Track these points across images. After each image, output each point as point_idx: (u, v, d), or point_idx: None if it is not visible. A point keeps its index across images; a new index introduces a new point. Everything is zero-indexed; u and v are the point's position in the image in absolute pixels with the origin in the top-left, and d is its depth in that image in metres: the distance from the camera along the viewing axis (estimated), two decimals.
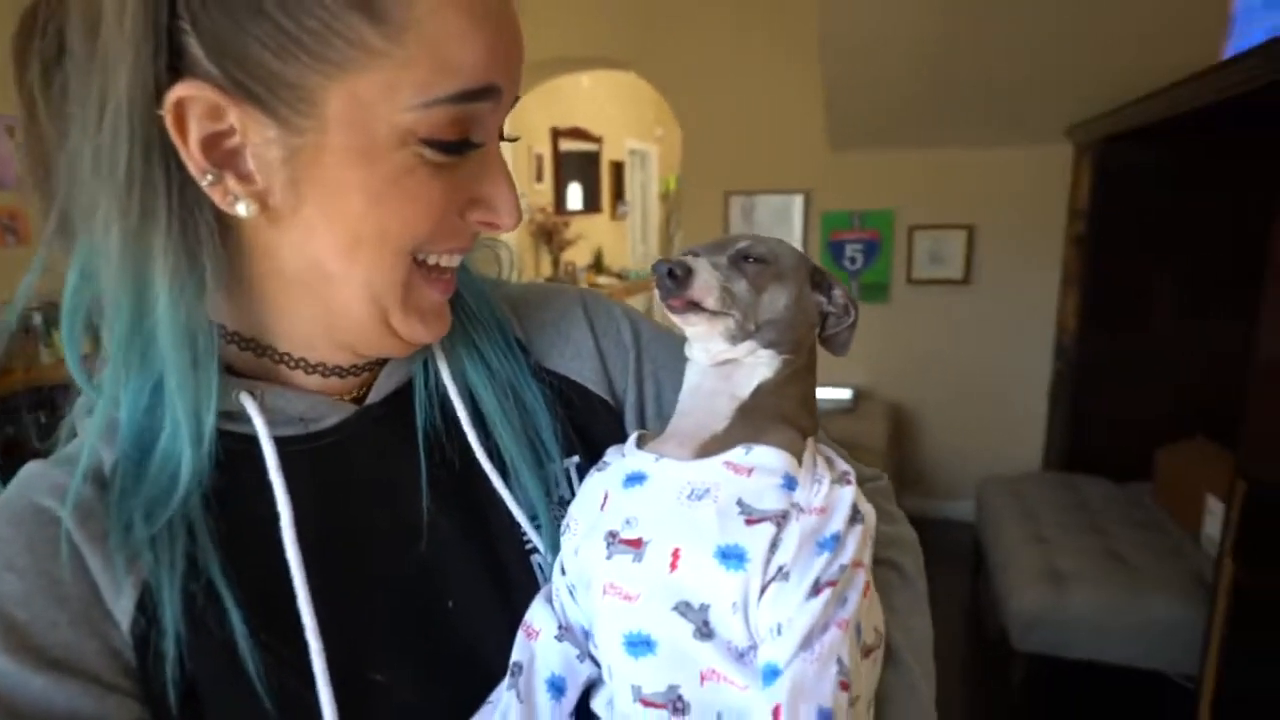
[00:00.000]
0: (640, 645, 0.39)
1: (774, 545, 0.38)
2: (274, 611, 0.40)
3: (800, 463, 0.41)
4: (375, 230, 0.39)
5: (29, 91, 0.38)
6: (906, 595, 0.50)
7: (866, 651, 0.40)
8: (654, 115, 6.88)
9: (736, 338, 0.43)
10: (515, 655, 0.44)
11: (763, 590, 0.37)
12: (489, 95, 0.39)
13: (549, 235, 5.19)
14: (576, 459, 0.50)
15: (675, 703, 0.39)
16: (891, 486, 0.59)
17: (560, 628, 0.44)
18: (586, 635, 0.44)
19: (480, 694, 0.44)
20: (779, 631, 0.37)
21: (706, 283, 0.42)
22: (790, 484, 0.40)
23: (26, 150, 0.39)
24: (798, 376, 0.45)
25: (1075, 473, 2.69)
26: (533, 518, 0.48)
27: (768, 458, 0.41)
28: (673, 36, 3.23)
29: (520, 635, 0.44)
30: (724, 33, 3.16)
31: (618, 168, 6.51)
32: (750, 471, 0.40)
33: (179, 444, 0.39)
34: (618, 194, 6.53)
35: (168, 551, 0.39)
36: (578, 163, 5.69)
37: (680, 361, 0.47)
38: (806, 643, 0.36)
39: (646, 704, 0.39)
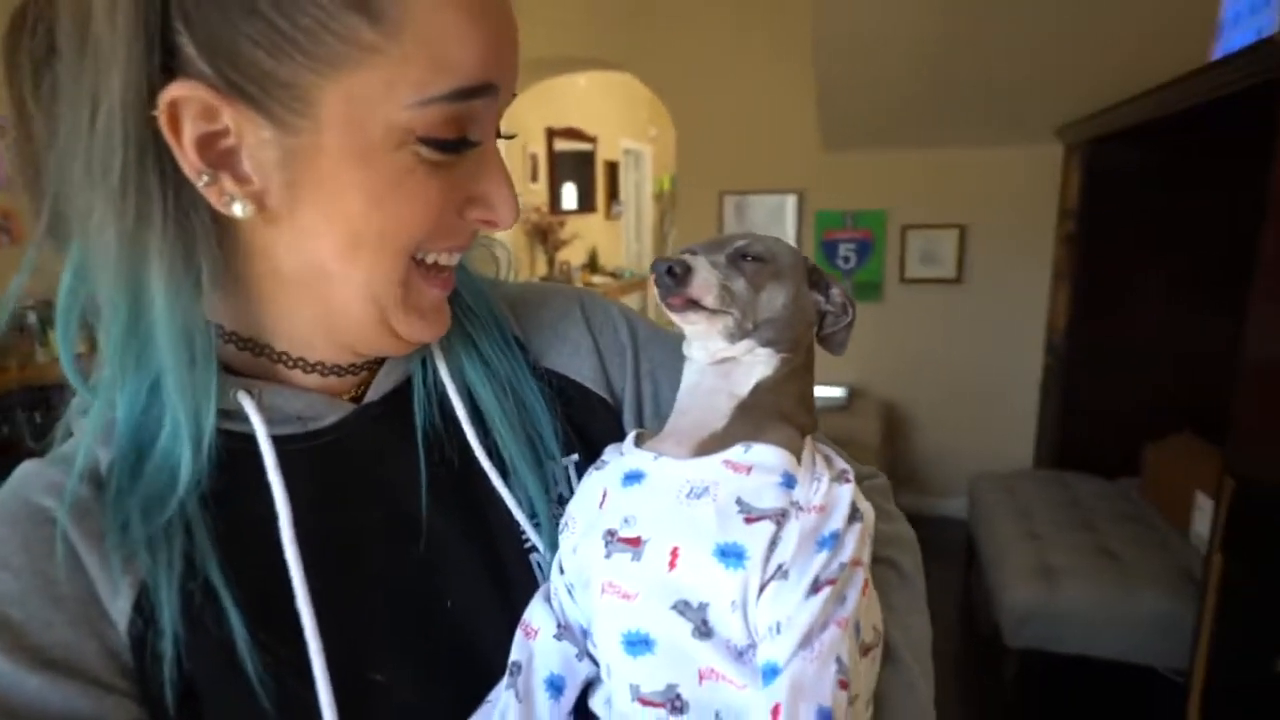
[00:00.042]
0: (638, 644, 0.39)
1: (773, 543, 0.38)
2: (272, 611, 0.40)
3: (799, 461, 0.41)
4: (374, 230, 0.39)
5: (19, 91, 0.37)
6: (905, 594, 0.50)
7: (865, 650, 0.40)
8: (648, 115, 6.88)
9: (735, 336, 0.43)
10: (514, 654, 0.44)
11: (762, 589, 0.37)
12: (486, 93, 0.38)
13: (544, 235, 5.18)
14: (575, 457, 0.50)
15: (673, 702, 0.38)
16: (889, 485, 0.59)
17: (559, 627, 0.44)
18: (585, 634, 0.44)
19: (480, 693, 0.44)
20: (778, 630, 0.37)
21: (705, 281, 0.42)
22: (789, 482, 0.40)
23: (16, 150, 0.39)
24: (796, 375, 0.45)
25: (1065, 469, 2.71)
26: (532, 516, 0.47)
27: (767, 456, 0.41)
28: (668, 37, 3.23)
29: (519, 634, 0.44)
30: (719, 34, 3.17)
31: (612, 168, 6.50)
32: (749, 470, 0.40)
33: (178, 444, 0.39)
34: (612, 194, 6.53)
35: (165, 551, 0.39)
36: (572, 163, 5.68)
37: (677, 360, 0.47)
38: (806, 641, 0.36)
39: (645, 703, 0.39)
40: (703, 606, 0.38)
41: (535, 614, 0.45)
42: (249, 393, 0.42)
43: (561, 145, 5.48)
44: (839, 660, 0.36)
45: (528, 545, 0.47)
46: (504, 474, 0.48)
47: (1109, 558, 2.12)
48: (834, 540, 0.39)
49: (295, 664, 0.39)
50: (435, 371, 0.48)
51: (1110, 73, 2.27)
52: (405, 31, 0.35)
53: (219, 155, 0.36)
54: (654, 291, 0.43)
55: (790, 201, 3.27)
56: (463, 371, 0.49)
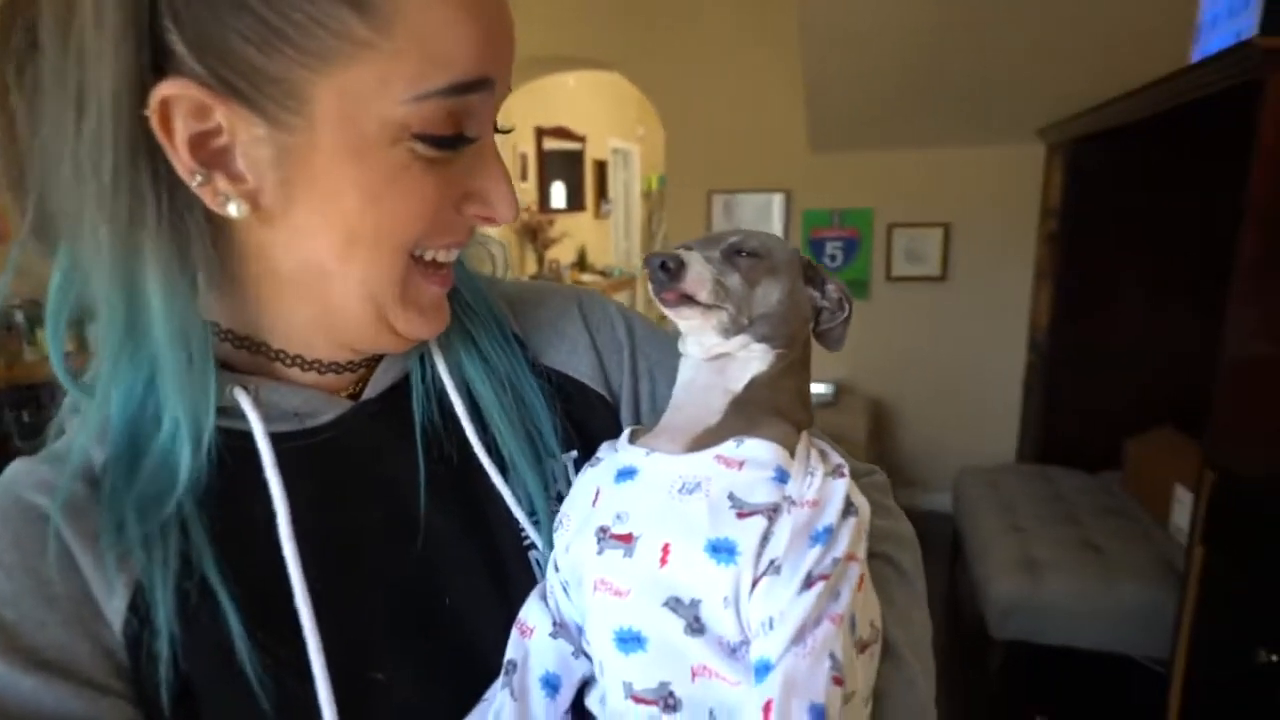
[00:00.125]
0: (631, 641, 0.39)
1: (765, 539, 0.38)
2: (270, 610, 0.39)
3: (793, 456, 0.41)
4: (371, 228, 0.38)
5: (2, 87, 0.36)
6: (904, 590, 0.50)
7: (862, 647, 0.39)
8: (636, 115, 6.87)
9: (730, 331, 0.43)
10: (509, 653, 0.43)
11: (754, 584, 0.37)
12: (482, 87, 0.38)
13: (533, 234, 5.17)
14: (574, 454, 0.50)
15: (666, 699, 0.38)
16: (889, 482, 0.58)
17: (555, 625, 0.43)
18: (580, 632, 0.43)
19: (479, 691, 0.44)
20: (770, 626, 0.36)
21: (699, 275, 0.42)
22: (782, 477, 0.40)
23: (0, 148, 0.38)
24: (792, 371, 0.45)
25: (1048, 463, 2.75)
26: (531, 514, 0.47)
27: (759, 451, 0.40)
28: (657, 37, 3.23)
29: (514, 633, 0.44)
30: (707, 35, 3.17)
31: (601, 166, 6.49)
32: (741, 465, 0.40)
33: (178, 444, 0.39)
34: (601, 193, 6.52)
35: (161, 550, 0.38)
36: (561, 162, 5.66)
37: (674, 358, 0.47)
38: (798, 637, 0.36)
39: (638, 700, 0.39)
40: (695, 603, 0.38)
41: (531, 612, 0.44)
42: (245, 389, 0.42)
43: (550, 144, 5.46)
44: (832, 656, 0.36)
45: (527, 543, 0.47)
46: (503, 471, 0.47)
47: (1091, 550, 2.15)
48: (827, 535, 0.38)
49: (294, 663, 0.39)
50: (434, 368, 0.48)
51: (1092, 74, 2.30)
52: (398, 26, 0.34)
53: (212, 154, 0.36)
54: (648, 288, 0.43)
55: (778, 200, 3.28)
56: (462, 368, 0.49)
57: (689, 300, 0.42)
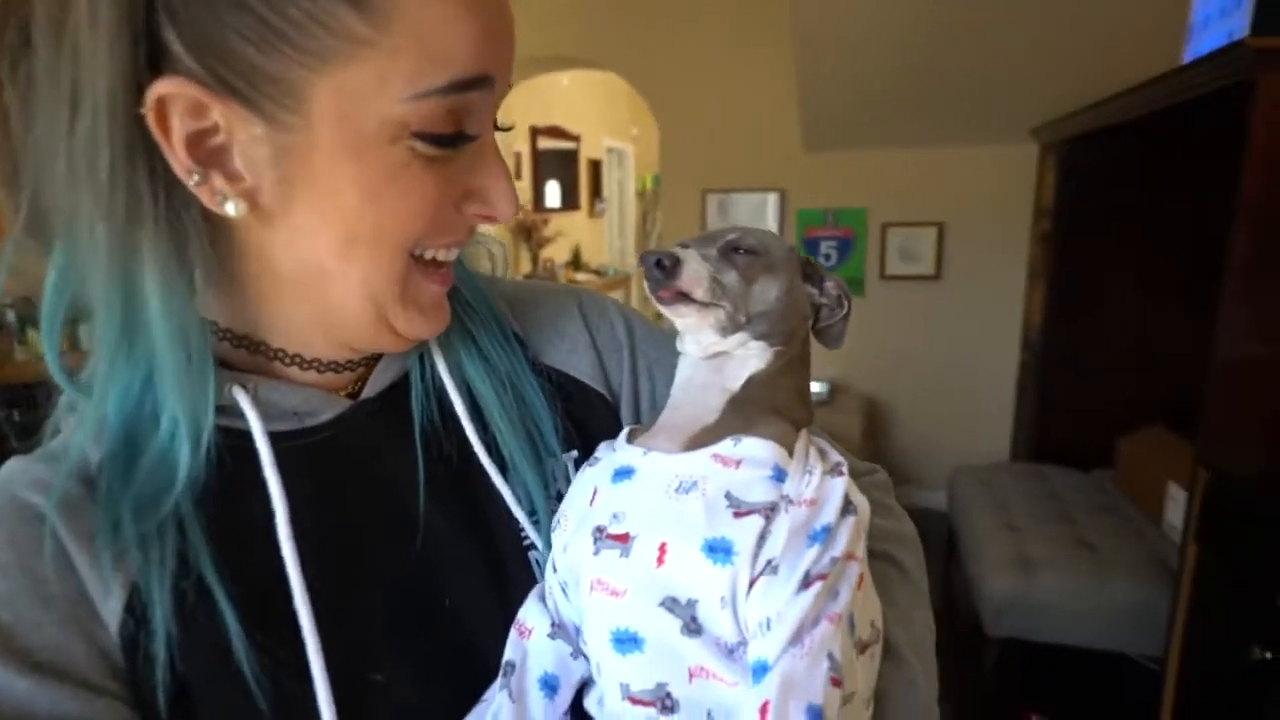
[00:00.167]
0: (627, 642, 0.39)
1: (762, 538, 0.37)
2: (269, 610, 0.39)
3: (791, 454, 0.41)
4: (370, 228, 0.38)
5: None
6: (906, 590, 0.49)
7: (863, 647, 0.39)
8: (630, 114, 6.86)
9: (727, 329, 0.43)
10: (508, 654, 0.43)
11: (751, 584, 0.37)
12: (482, 85, 0.38)
13: (528, 233, 5.16)
14: (575, 453, 0.50)
15: (664, 700, 0.38)
16: (890, 481, 0.58)
17: (553, 625, 0.43)
18: (579, 633, 0.43)
19: (479, 692, 0.43)
20: (768, 626, 0.36)
21: (695, 273, 0.41)
22: (779, 476, 0.39)
23: None
24: (791, 368, 0.45)
25: (1042, 461, 2.76)
26: (531, 513, 0.47)
27: (756, 449, 0.40)
28: (652, 37, 3.23)
29: (513, 633, 0.44)
30: (702, 35, 3.17)
31: (595, 166, 6.48)
32: (738, 463, 0.40)
33: (176, 443, 0.38)
34: (595, 192, 6.51)
35: (157, 549, 0.38)
36: (556, 161, 5.65)
37: (674, 357, 0.47)
38: (796, 638, 0.35)
39: (635, 702, 0.39)
40: (691, 603, 0.38)
41: (530, 613, 0.44)
42: (244, 388, 0.41)
43: (545, 143, 5.45)
44: (831, 657, 0.35)
45: (526, 543, 0.47)
46: (503, 471, 0.47)
47: (1085, 548, 2.16)
48: (825, 534, 0.38)
49: (292, 664, 0.38)
50: (433, 367, 0.48)
51: (1085, 74, 2.31)
52: (396, 23, 0.34)
53: (209, 153, 0.35)
54: (644, 286, 0.43)
55: (772, 200, 3.29)
56: (462, 367, 0.48)
57: (685, 298, 0.42)
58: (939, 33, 2.36)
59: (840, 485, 0.40)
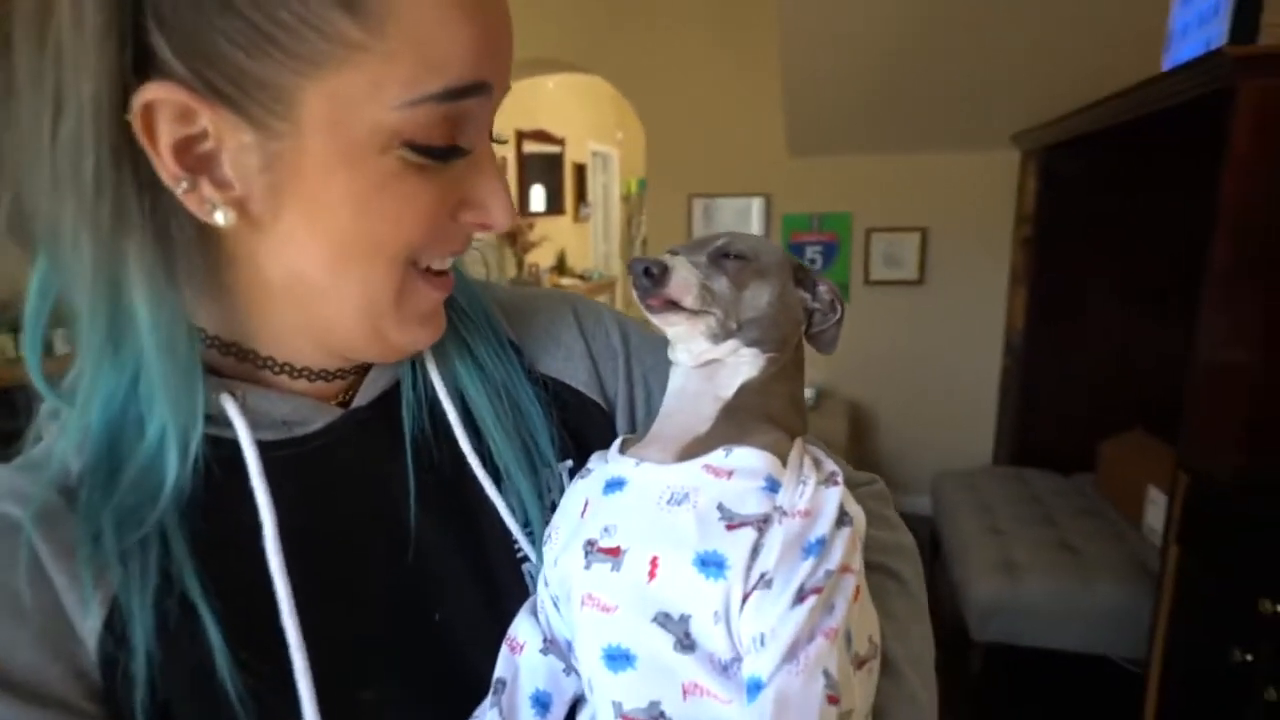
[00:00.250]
0: (619, 659, 0.38)
1: (755, 551, 0.36)
2: (255, 627, 0.38)
3: (785, 464, 0.40)
4: (365, 239, 0.37)
5: None
6: (904, 603, 0.48)
7: (860, 662, 0.38)
8: (615, 119, 6.87)
9: (718, 337, 0.42)
10: (499, 670, 0.42)
11: (745, 599, 0.36)
12: (478, 92, 0.37)
13: (513, 237, 5.14)
14: (570, 463, 0.49)
15: (657, 719, 0.37)
16: (888, 491, 0.57)
17: (545, 641, 0.42)
18: (572, 648, 0.42)
19: (470, 709, 0.42)
20: (762, 642, 0.35)
21: (685, 280, 0.41)
22: (773, 486, 0.39)
23: None
24: (784, 375, 0.44)
25: (1023, 464, 2.79)
26: (525, 525, 0.46)
27: (749, 459, 0.39)
28: (638, 41, 3.23)
29: (504, 649, 0.43)
30: (688, 40, 3.18)
31: (580, 170, 6.48)
32: (730, 474, 0.39)
33: (164, 452, 0.37)
34: (580, 196, 6.50)
35: (139, 563, 0.36)
36: (541, 165, 5.64)
37: (669, 365, 0.46)
38: (791, 654, 0.34)
39: None
40: (684, 619, 0.37)
41: (521, 628, 0.43)
42: (232, 395, 0.40)
43: (530, 147, 5.44)
44: (826, 674, 0.35)
45: (520, 555, 0.46)
46: (497, 481, 0.46)
47: (1068, 551, 2.18)
48: (820, 546, 0.37)
49: (278, 681, 0.37)
50: (426, 376, 0.47)
51: (1065, 81, 2.34)
52: (390, 27, 0.33)
53: (197, 160, 0.34)
54: (632, 292, 0.42)
55: (757, 204, 3.30)
56: (456, 375, 0.47)
57: (675, 306, 0.41)
58: (923, 40, 2.38)
59: (835, 496, 0.39)
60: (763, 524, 0.37)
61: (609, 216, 7.39)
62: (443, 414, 0.46)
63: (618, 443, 0.45)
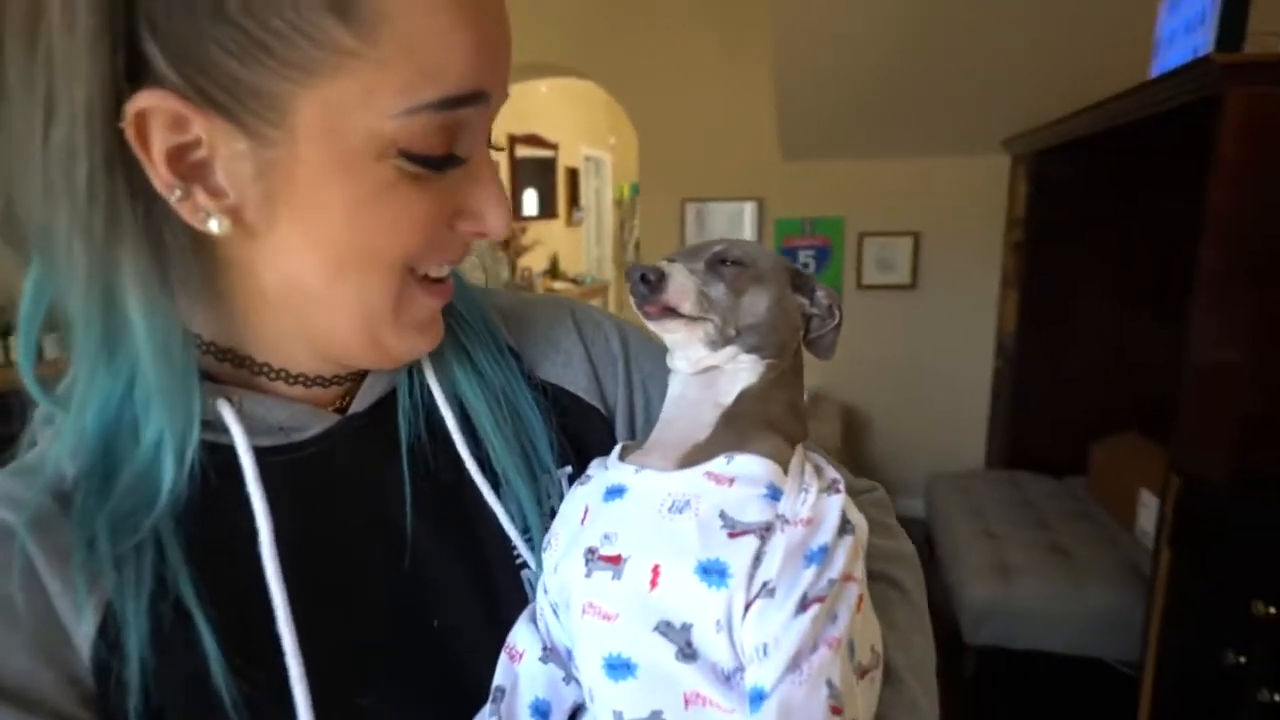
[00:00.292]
0: (620, 668, 0.37)
1: (758, 559, 0.36)
2: (251, 634, 0.37)
3: (786, 471, 0.40)
4: (361, 247, 0.37)
5: None
6: (906, 612, 0.48)
7: (862, 672, 0.38)
8: (608, 123, 6.88)
9: (717, 343, 0.42)
10: (498, 679, 0.42)
11: (747, 608, 0.36)
12: (476, 100, 0.36)
13: (506, 241, 5.13)
14: (569, 469, 0.48)
15: None
16: (889, 499, 0.57)
17: (544, 649, 0.42)
18: (571, 657, 0.42)
19: (468, 717, 0.42)
20: (765, 652, 0.35)
21: (682, 286, 0.41)
22: (775, 494, 0.38)
23: None
24: (783, 381, 0.44)
25: (1016, 467, 2.80)
26: (524, 531, 0.46)
27: (750, 467, 0.39)
28: (632, 46, 3.24)
29: (503, 657, 0.42)
30: (682, 45, 3.19)
31: (573, 174, 6.48)
32: (732, 482, 0.39)
33: (160, 458, 0.37)
34: (573, 200, 6.50)
35: (134, 569, 0.36)
36: (533, 169, 5.64)
37: (669, 372, 0.46)
38: (794, 664, 0.34)
39: None
40: (686, 627, 0.36)
41: (520, 636, 0.43)
42: (229, 401, 0.40)
43: (523, 152, 5.44)
44: (830, 684, 0.34)
45: (519, 561, 0.46)
46: (495, 487, 0.46)
47: (1061, 554, 2.19)
48: (823, 554, 0.37)
49: (274, 688, 0.37)
50: (423, 382, 0.47)
51: (1055, 87, 2.36)
52: (385, 34, 0.33)
53: (191, 168, 0.34)
54: (631, 300, 0.42)
55: (750, 209, 3.30)
56: (455, 381, 0.47)
57: (673, 312, 0.41)
58: (915, 45, 2.40)
59: (837, 503, 0.39)
60: (765, 532, 0.37)
61: (602, 221, 7.40)
62: (441, 420, 0.46)
63: (617, 449, 0.45)
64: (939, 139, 2.93)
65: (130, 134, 0.32)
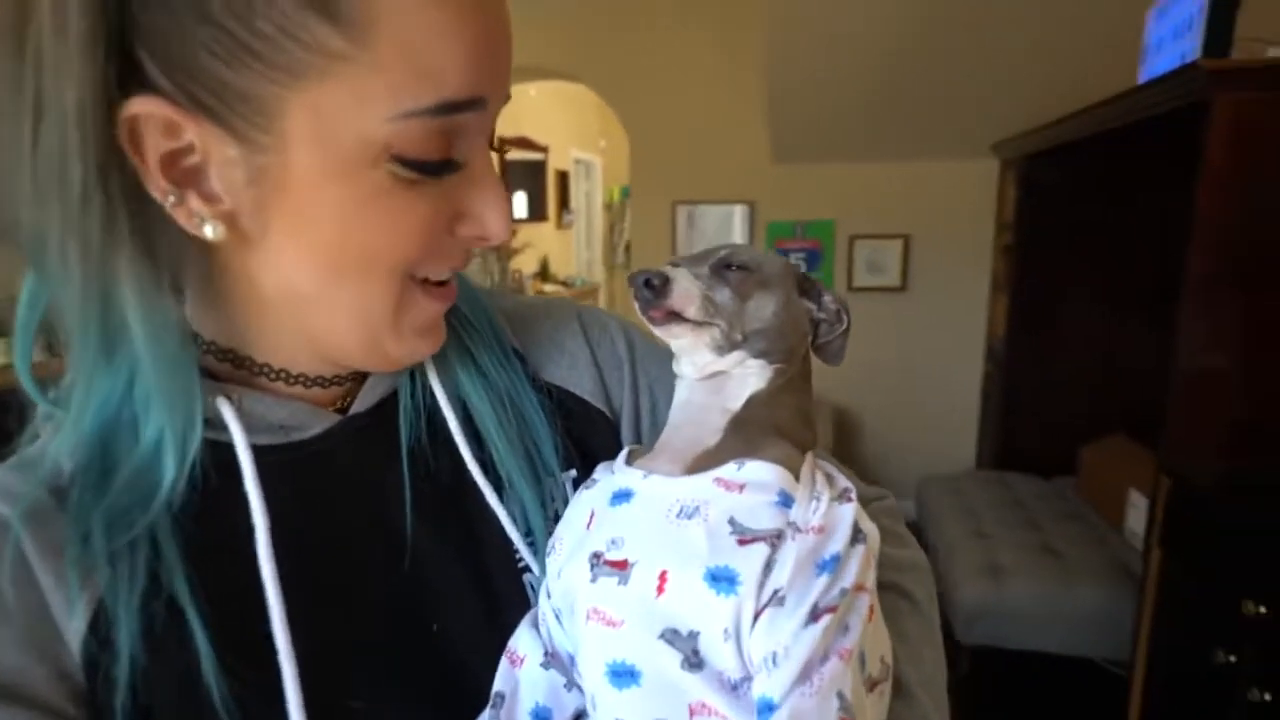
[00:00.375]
0: (624, 675, 0.37)
1: (768, 567, 0.36)
2: (244, 633, 0.37)
3: (797, 478, 0.39)
4: (356, 253, 0.36)
5: None
6: (917, 623, 0.48)
7: (872, 685, 0.37)
8: (598, 126, 6.88)
9: (723, 348, 0.41)
10: (498, 684, 0.41)
11: (756, 616, 0.35)
12: (474, 107, 0.35)
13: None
14: (574, 473, 0.48)
15: None
16: (899, 507, 0.56)
17: (546, 655, 0.41)
18: (574, 663, 0.41)
19: None
20: (774, 662, 0.34)
21: (686, 291, 0.40)
22: (786, 501, 0.38)
23: None
24: (792, 387, 0.44)
25: (1006, 469, 2.82)
26: (527, 534, 0.45)
27: (761, 473, 0.39)
28: (622, 49, 3.24)
29: (503, 662, 0.42)
30: (672, 48, 3.19)
31: (563, 177, 6.47)
32: (742, 488, 0.38)
33: (161, 457, 0.36)
34: (563, 203, 6.49)
35: (128, 565, 0.36)
36: (524, 172, 5.63)
37: (675, 376, 0.45)
38: (804, 675, 0.34)
39: None
40: (693, 635, 0.36)
41: (522, 641, 0.42)
42: (228, 399, 0.40)
43: (513, 154, 5.43)
44: (840, 696, 0.34)
45: (521, 565, 0.45)
46: (498, 490, 0.45)
47: (1052, 555, 2.20)
48: (835, 563, 0.36)
49: (266, 690, 0.36)
50: (426, 384, 0.46)
51: (1045, 91, 2.39)
52: (376, 37, 0.32)
53: (184, 174, 0.34)
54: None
55: (741, 211, 3.31)
56: (459, 383, 0.47)
57: (677, 317, 0.40)
58: (906, 49, 2.42)
59: (849, 512, 0.39)
60: (776, 539, 0.37)
61: (592, 224, 7.39)
62: (443, 422, 0.45)
63: (624, 454, 0.44)
64: (929, 143, 2.95)
65: (124, 140, 0.32)
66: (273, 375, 0.42)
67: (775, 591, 0.36)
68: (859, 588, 0.37)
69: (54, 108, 0.31)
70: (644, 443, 0.50)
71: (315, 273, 0.37)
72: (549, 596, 0.42)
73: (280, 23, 0.31)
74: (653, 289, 0.40)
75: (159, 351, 0.35)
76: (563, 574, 0.40)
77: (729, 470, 0.39)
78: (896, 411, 3.36)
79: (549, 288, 5.74)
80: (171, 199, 0.34)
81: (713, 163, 3.30)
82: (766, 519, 0.37)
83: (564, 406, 0.50)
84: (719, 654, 0.36)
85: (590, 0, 3.20)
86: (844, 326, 0.46)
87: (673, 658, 0.36)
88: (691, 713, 0.36)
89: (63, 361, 0.38)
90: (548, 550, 0.43)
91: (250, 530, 0.38)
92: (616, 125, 3.49)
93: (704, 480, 0.39)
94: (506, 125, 5.29)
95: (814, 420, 0.45)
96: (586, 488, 0.44)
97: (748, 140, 3.18)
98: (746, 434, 0.41)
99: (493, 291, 0.54)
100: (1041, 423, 2.77)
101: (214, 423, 0.39)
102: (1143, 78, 1.75)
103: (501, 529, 0.45)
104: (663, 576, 0.37)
